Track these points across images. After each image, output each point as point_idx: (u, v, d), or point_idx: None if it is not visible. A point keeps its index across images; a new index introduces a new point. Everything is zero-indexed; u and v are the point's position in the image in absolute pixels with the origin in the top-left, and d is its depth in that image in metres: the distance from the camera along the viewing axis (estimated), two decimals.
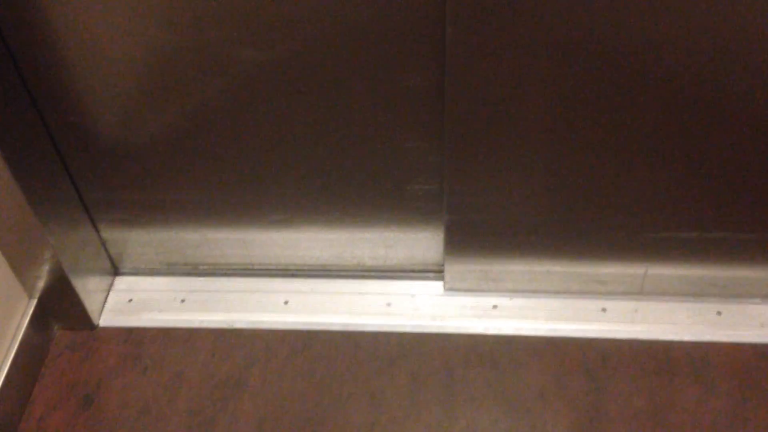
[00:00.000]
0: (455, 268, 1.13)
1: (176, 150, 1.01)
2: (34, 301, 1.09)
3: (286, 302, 1.16)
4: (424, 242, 1.13)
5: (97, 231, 1.15)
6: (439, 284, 1.16)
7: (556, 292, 1.14)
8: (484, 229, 1.07)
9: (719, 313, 1.10)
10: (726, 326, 1.09)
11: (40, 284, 1.09)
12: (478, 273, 1.13)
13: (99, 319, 1.15)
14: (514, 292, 1.15)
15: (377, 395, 1.04)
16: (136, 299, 1.17)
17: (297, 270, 1.18)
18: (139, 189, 1.07)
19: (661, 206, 1.01)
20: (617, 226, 1.05)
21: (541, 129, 0.92)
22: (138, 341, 1.12)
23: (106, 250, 1.18)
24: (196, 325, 1.13)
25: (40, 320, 1.10)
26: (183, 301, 1.17)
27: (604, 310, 1.12)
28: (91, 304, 1.13)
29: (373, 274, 1.17)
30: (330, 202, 1.08)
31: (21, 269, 1.06)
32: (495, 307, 1.13)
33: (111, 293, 1.18)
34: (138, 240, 1.16)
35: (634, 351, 1.06)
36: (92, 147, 1.01)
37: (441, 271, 1.16)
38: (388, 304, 1.14)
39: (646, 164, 0.96)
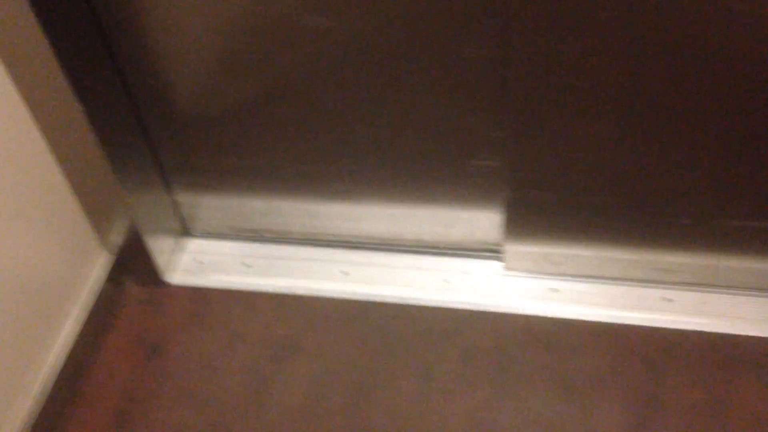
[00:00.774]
0: (515, 249, 1.12)
1: (248, 118, 1.05)
2: (111, 256, 1.16)
3: (345, 272, 1.18)
4: (484, 220, 1.12)
5: (171, 193, 1.20)
6: (497, 264, 1.16)
7: (620, 279, 1.11)
8: (546, 209, 1.05)
9: None
10: None
11: (117, 240, 1.15)
12: (539, 255, 1.11)
13: (169, 276, 1.20)
14: (575, 276, 1.13)
15: (429, 368, 1.04)
16: (205, 261, 1.22)
17: (357, 242, 1.20)
18: (212, 154, 1.11)
19: (734, 192, 0.97)
20: (687, 212, 1.01)
21: (609, 105, 0.90)
22: (204, 300, 1.17)
23: (179, 212, 1.23)
24: (259, 288, 1.17)
25: (115, 274, 1.17)
26: (248, 265, 1.21)
27: (669, 300, 1.09)
28: (162, 262, 1.19)
29: (431, 250, 1.18)
30: (391, 175, 1.09)
31: (100, 225, 1.12)
32: (554, 290, 1.12)
33: (182, 254, 1.24)
34: (209, 204, 1.21)
35: (697, 343, 1.03)
36: (170, 112, 1.06)
37: (499, 251, 1.15)
38: (445, 281, 1.15)
39: (721, 146, 0.92)
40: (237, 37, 0.94)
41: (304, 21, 0.91)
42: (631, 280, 1.11)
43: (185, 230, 1.26)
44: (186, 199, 1.21)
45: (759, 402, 0.95)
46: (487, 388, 1.02)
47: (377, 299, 1.13)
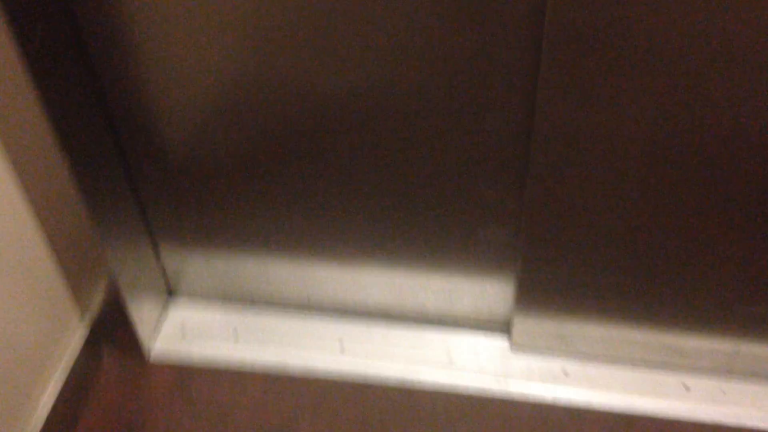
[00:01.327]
0: (524, 325, 1.05)
1: (244, 177, 0.97)
2: (89, 324, 1.07)
3: (341, 344, 1.10)
4: (492, 293, 1.05)
5: (157, 254, 1.11)
6: (504, 341, 1.09)
7: (634, 361, 1.05)
8: (558, 284, 0.98)
9: None
10: None
11: (96, 306, 1.05)
12: (549, 332, 1.05)
13: (151, 346, 1.11)
14: (587, 357, 1.06)
15: None
16: (190, 328, 1.13)
17: (355, 312, 1.12)
18: (203, 213, 1.03)
19: (755, 277, 0.91)
20: (706, 295, 0.95)
21: (631, 182, 0.84)
22: (188, 374, 1.08)
23: (165, 274, 1.14)
24: (248, 361, 1.09)
25: (93, 344, 1.07)
26: (236, 333, 1.12)
27: (687, 387, 1.02)
28: (144, 330, 1.10)
29: (434, 323, 1.11)
30: (395, 241, 1.01)
31: (79, 289, 1.03)
32: (565, 373, 1.05)
33: (165, 320, 1.15)
34: (197, 267, 1.12)
35: None
36: (160, 165, 0.97)
37: (508, 327, 1.08)
38: (449, 358, 1.07)
39: (741, 230, 0.86)
40: (235, 92, 0.86)
41: (311, 81, 0.83)
42: (646, 363, 1.05)
43: (170, 294, 1.17)
44: (173, 260, 1.12)
45: None
46: None
47: (376, 378, 1.06)
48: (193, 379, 1.07)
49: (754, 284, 0.92)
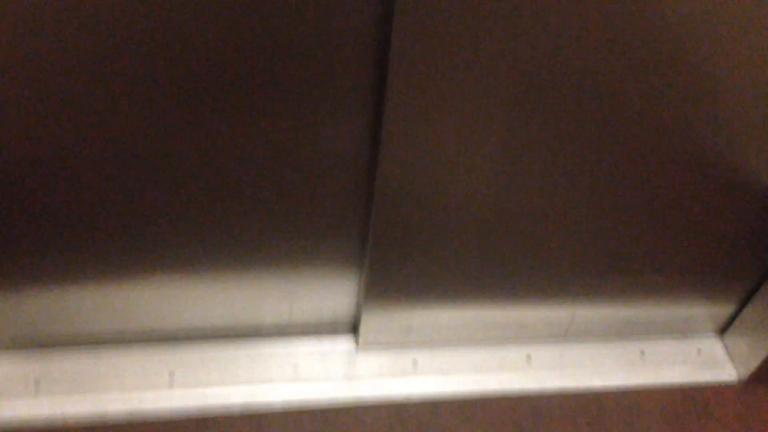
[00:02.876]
0: (372, 323, 0.99)
1: (8, 199, 0.78)
2: None
3: (171, 377, 0.97)
4: (335, 295, 0.98)
5: None
6: (351, 342, 1.03)
7: (480, 341, 1.04)
8: (405, 278, 0.94)
9: (642, 353, 1.06)
10: (651, 366, 1.05)
11: None
12: (397, 326, 1.00)
13: None
14: (435, 344, 1.04)
15: None
16: None
17: (184, 336, 0.99)
18: None
19: (585, 254, 0.94)
20: (544, 273, 0.96)
21: (476, 189, 0.81)
22: None
23: None
24: (57, 416, 0.91)
25: None
26: (38, 385, 0.94)
27: (529, 357, 1.04)
28: None
29: (275, 334, 1.01)
30: (225, 250, 0.89)
31: None
32: (415, 364, 1.02)
33: None
34: None
35: (564, 404, 1.00)
36: None
37: (353, 327, 1.02)
38: (296, 370, 0.99)
39: (578, 214, 0.88)
40: None
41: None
42: (492, 340, 1.05)
43: None
44: None
45: None
46: None
47: (217, 408, 0.94)
48: None
49: (585, 261, 0.95)
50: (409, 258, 0.90)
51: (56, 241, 0.84)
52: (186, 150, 0.76)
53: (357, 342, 1.02)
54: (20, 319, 0.94)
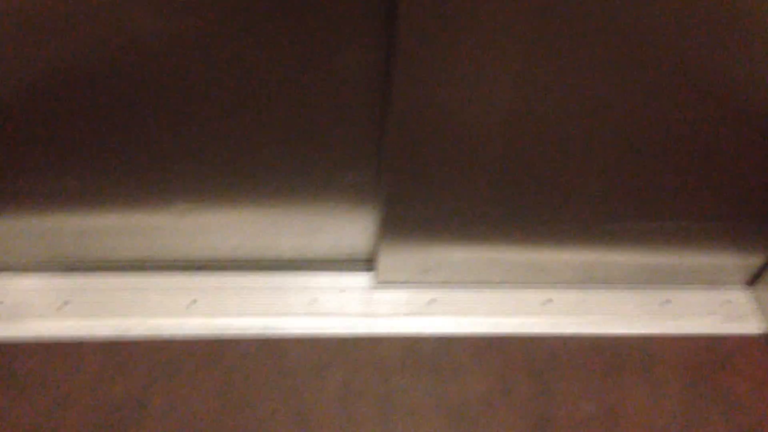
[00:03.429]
0: (389, 260, 0.99)
1: (45, 122, 0.81)
2: None
3: (191, 302, 0.99)
4: (354, 229, 0.99)
5: None
6: (368, 278, 1.03)
7: (498, 283, 1.04)
8: (423, 215, 0.93)
9: (667, 301, 1.04)
10: (674, 316, 1.03)
11: None
12: (414, 265, 1.00)
13: None
14: (453, 284, 1.03)
15: (305, 411, 0.91)
16: (8, 303, 0.97)
17: (204, 264, 1.02)
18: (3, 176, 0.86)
19: (611, 199, 0.92)
20: (568, 217, 0.94)
21: (494, 116, 0.79)
22: (11, 356, 0.93)
23: None
24: (83, 333, 0.95)
25: None
26: (66, 303, 0.98)
27: (549, 301, 1.03)
28: None
29: (294, 267, 1.03)
30: (248, 183, 0.90)
31: None
32: (432, 303, 1.02)
33: None
34: (3, 232, 0.95)
35: (581, 348, 0.99)
36: None
37: (370, 264, 1.03)
38: (312, 302, 1.00)
39: (597, 153, 0.85)
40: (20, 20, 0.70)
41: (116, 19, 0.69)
42: (510, 283, 1.04)
43: None
44: None
45: (651, 408, 0.93)
46: (373, 426, 0.90)
47: (233, 333, 0.97)
48: (18, 361, 0.92)
49: (610, 205, 0.92)
50: (424, 194, 0.89)
51: (84, 169, 0.87)
52: (206, 80, 0.77)
53: (375, 279, 1.03)
54: (50, 245, 0.97)
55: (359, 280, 1.03)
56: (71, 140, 0.83)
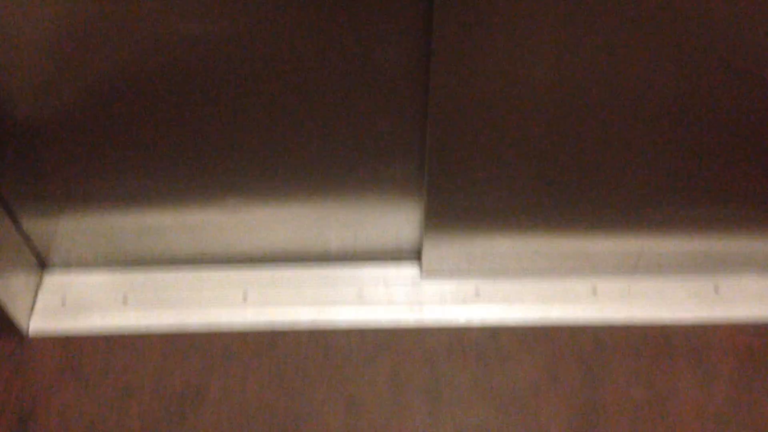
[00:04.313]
0: (435, 250, 1.01)
1: (106, 123, 0.85)
2: None
3: (244, 295, 1.03)
4: (399, 222, 1.01)
5: (15, 222, 0.98)
6: (414, 268, 1.05)
7: (544, 272, 1.04)
8: (467, 205, 0.94)
9: (716, 288, 1.03)
10: (725, 302, 1.02)
11: None
12: (459, 254, 1.02)
13: (28, 324, 1.00)
14: (498, 273, 1.04)
15: (355, 399, 0.93)
16: (70, 299, 1.02)
17: (256, 258, 1.05)
18: (64, 170, 0.91)
19: (658, 185, 0.91)
20: (614, 202, 0.94)
21: (536, 104, 0.80)
22: (76, 350, 0.98)
23: (31, 243, 1.02)
24: (142, 327, 1.00)
25: None
26: (125, 299, 1.02)
27: (595, 290, 1.03)
28: (15, 307, 0.98)
29: (341, 259, 1.05)
30: (295, 179, 0.93)
31: None
32: (478, 293, 1.03)
33: (39, 293, 1.03)
34: (67, 230, 1.00)
35: (629, 335, 0.98)
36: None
37: (416, 254, 1.04)
38: (360, 294, 1.03)
39: (647, 142, 0.85)
40: (81, 27, 0.74)
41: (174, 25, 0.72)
42: (556, 271, 1.04)
43: (41, 264, 1.05)
44: (38, 227, 0.99)
45: (702, 394, 0.93)
46: (421, 413, 0.92)
47: (285, 325, 1.00)
48: (83, 354, 0.97)
49: (658, 190, 0.92)
50: (467, 184, 0.91)
51: (144, 169, 0.91)
52: (255, 76, 0.79)
53: (421, 270, 1.04)
54: (111, 242, 1.02)
55: (406, 271, 1.05)
56: (134, 142, 0.87)
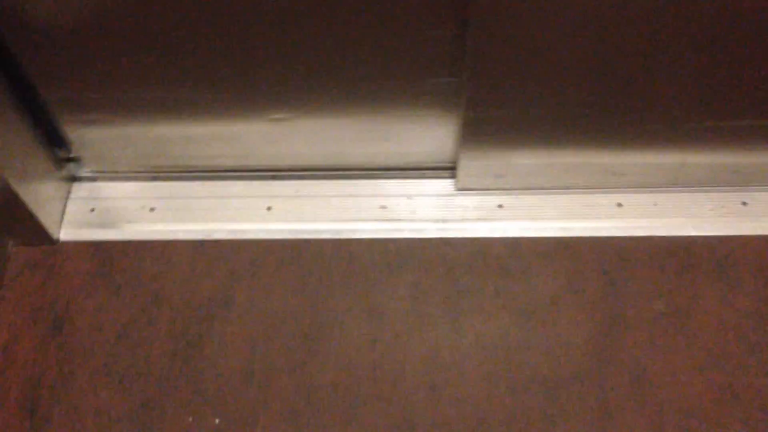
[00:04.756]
0: (469, 166, 1.00)
1: (143, 30, 0.84)
2: None
3: (270, 206, 1.04)
4: (435, 136, 0.99)
5: (45, 132, 0.99)
6: (442, 184, 1.05)
7: (568, 188, 1.03)
8: (502, 121, 0.93)
9: (744, 203, 1.01)
10: (751, 217, 1.00)
11: None
12: (490, 171, 1.01)
13: (59, 232, 1.02)
14: (524, 189, 1.04)
15: (377, 309, 0.95)
16: (100, 208, 1.04)
17: (283, 169, 1.05)
18: (100, 77, 0.90)
19: (692, 94, 0.88)
20: (645, 116, 0.92)
21: (577, 19, 0.77)
22: (106, 256, 1.00)
23: (59, 153, 1.03)
24: (170, 234, 1.01)
25: None
26: (153, 209, 1.04)
27: (620, 204, 1.02)
28: (46, 215, 1.00)
29: (368, 173, 1.05)
30: (329, 91, 0.92)
31: None
32: (500, 206, 1.03)
33: (69, 202, 1.05)
34: (96, 140, 1.01)
35: (652, 249, 0.98)
36: (31, 28, 0.83)
37: (448, 170, 1.04)
38: (385, 206, 1.03)
39: (681, 48, 0.82)
40: None
41: None
42: (581, 187, 1.03)
43: (70, 174, 1.06)
44: (70, 135, 1.00)
45: (723, 307, 0.93)
46: (441, 324, 0.94)
47: (310, 236, 1.01)
48: (113, 260, 1.00)
49: (692, 104, 0.89)
50: (506, 96, 0.89)
51: (179, 79, 0.90)
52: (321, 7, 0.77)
53: (454, 185, 1.04)
54: (138, 150, 1.03)
55: (432, 185, 1.05)
56: (173, 50, 0.86)
